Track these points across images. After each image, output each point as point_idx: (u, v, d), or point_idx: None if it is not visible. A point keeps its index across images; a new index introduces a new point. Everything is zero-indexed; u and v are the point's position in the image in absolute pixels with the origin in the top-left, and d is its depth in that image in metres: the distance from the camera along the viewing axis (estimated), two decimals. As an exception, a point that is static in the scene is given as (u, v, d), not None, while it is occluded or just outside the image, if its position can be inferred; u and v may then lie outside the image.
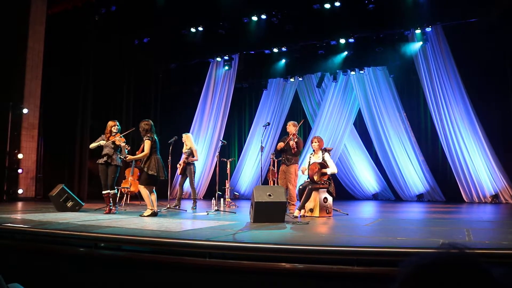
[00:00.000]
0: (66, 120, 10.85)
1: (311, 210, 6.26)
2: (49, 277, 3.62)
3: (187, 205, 7.96)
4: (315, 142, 6.58)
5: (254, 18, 11.32)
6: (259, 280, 3.04)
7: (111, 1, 11.04)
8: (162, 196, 8.59)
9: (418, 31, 10.49)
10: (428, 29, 10.45)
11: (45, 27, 10.49)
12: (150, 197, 6.10)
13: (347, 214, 6.66)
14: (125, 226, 4.72)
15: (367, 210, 8.42)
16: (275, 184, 8.26)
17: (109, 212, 6.54)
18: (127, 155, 6.35)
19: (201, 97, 13.16)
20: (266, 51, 12.33)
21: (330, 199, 6.37)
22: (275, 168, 8.71)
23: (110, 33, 11.33)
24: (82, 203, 7.19)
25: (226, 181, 9.33)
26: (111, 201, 6.63)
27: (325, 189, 6.34)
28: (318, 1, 10.40)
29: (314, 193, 6.22)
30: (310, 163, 6.45)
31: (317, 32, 11.17)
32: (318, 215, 6.17)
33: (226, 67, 12.81)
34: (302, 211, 6.19)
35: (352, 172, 12.54)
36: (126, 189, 8.81)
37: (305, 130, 13.10)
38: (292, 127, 6.92)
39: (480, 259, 0.78)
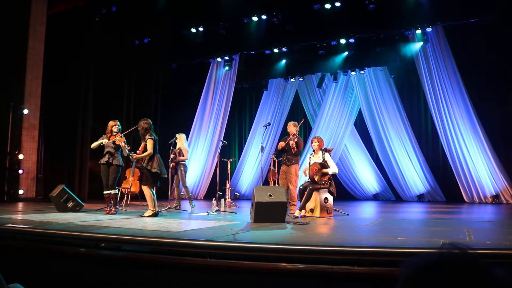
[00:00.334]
0: (67, 121, 10.86)
1: (312, 210, 6.26)
2: (50, 277, 3.62)
3: (187, 205, 7.96)
4: (315, 142, 6.58)
5: (255, 18, 11.32)
6: (260, 280, 3.04)
7: (111, 1, 11.06)
8: (162, 197, 8.61)
9: (418, 31, 10.48)
10: (429, 29, 10.44)
11: (46, 27, 10.50)
12: (152, 198, 6.12)
13: (348, 214, 6.66)
14: (126, 227, 4.72)
15: (367, 210, 8.42)
16: (276, 184, 8.27)
17: (110, 212, 6.54)
18: (133, 153, 6.29)
19: (202, 97, 13.16)
20: (267, 51, 12.33)
21: (330, 199, 6.37)
22: (276, 168, 8.72)
23: (111, 33, 11.34)
24: (83, 204, 7.19)
25: (227, 181, 9.33)
26: (112, 202, 6.63)
27: (326, 189, 6.34)
28: (318, 1, 10.40)
29: (314, 193, 6.22)
30: (311, 164, 6.45)
31: (318, 32, 11.16)
32: (318, 215, 6.17)
33: (227, 67, 12.81)
34: (303, 211, 6.18)
35: (353, 172, 12.54)
36: (126, 189, 8.81)
37: (306, 130, 13.10)
38: (292, 127, 6.92)
39: (481, 259, 0.78)
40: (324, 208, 6.25)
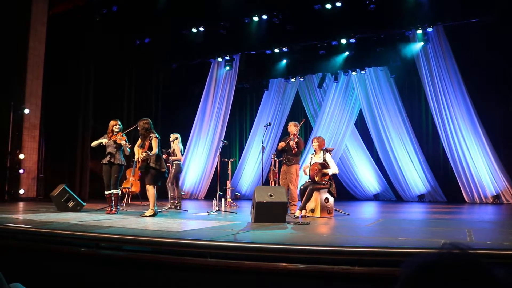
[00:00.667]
0: (68, 120, 10.86)
1: (312, 211, 6.26)
2: (50, 277, 3.62)
3: (188, 205, 7.96)
4: (315, 142, 6.58)
5: (255, 19, 11.33)
6: (260, 280, 3.04)
7: (112, 1, 11.06)
8: (162, 196, 8.60)
9: (419, 32, 10.48)
10: (429, 29, 10.43)
11: (47, 27, 10.50)
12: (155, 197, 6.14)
13: (348, 215, 6.67)
14: (126, 226, 4.72)
15: (368, 211, 8.42)
16: (276, 185, 8.27)
17: (110, 212, 6.53)
18: (146, 152, 6.12)
19: (202, 97, 13.16)
20: (267, 51, 12.34)
21: (331, 199, 6.37)
22: (276, 168, 8.72)
23: (111, 33, 11.34)
24: (83, 203, 7.19)
25: (227, 181, 9.33)
26: (114, 201, 6.62)
27: (326, 190, 6.34)
28: (319, 1, 10.41)
29: (315, 194, 6.22)
30: (311, 163, 6.45)
31: (318, 32, 11.17)
32: (319, 216, 6.16)
33: (227, 67, 12.81)
34: (303, 211, 6.18)
35: (353, 172, 12.54)
36: (127, 189, 8.81)
37: (306, 131, 13.10)
38: (293, 127, 6.93)
39: (482, 259, 0.78)
40: (324, 208, 6.25)
